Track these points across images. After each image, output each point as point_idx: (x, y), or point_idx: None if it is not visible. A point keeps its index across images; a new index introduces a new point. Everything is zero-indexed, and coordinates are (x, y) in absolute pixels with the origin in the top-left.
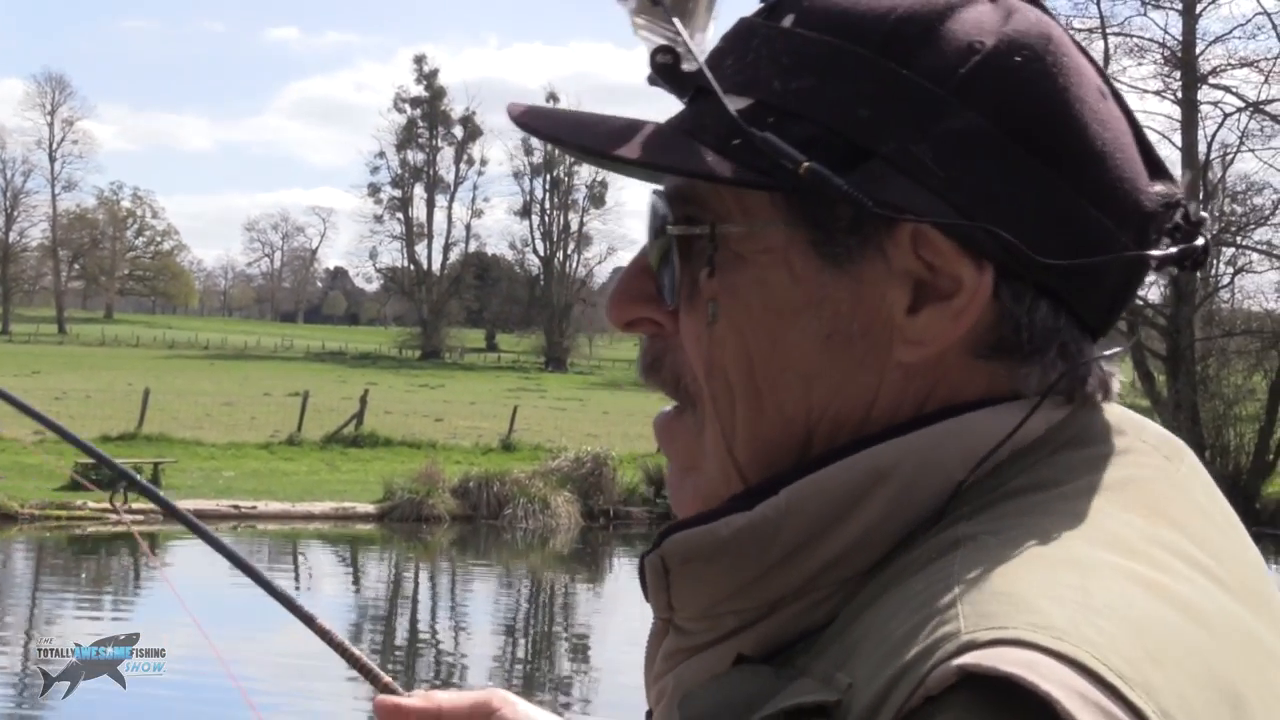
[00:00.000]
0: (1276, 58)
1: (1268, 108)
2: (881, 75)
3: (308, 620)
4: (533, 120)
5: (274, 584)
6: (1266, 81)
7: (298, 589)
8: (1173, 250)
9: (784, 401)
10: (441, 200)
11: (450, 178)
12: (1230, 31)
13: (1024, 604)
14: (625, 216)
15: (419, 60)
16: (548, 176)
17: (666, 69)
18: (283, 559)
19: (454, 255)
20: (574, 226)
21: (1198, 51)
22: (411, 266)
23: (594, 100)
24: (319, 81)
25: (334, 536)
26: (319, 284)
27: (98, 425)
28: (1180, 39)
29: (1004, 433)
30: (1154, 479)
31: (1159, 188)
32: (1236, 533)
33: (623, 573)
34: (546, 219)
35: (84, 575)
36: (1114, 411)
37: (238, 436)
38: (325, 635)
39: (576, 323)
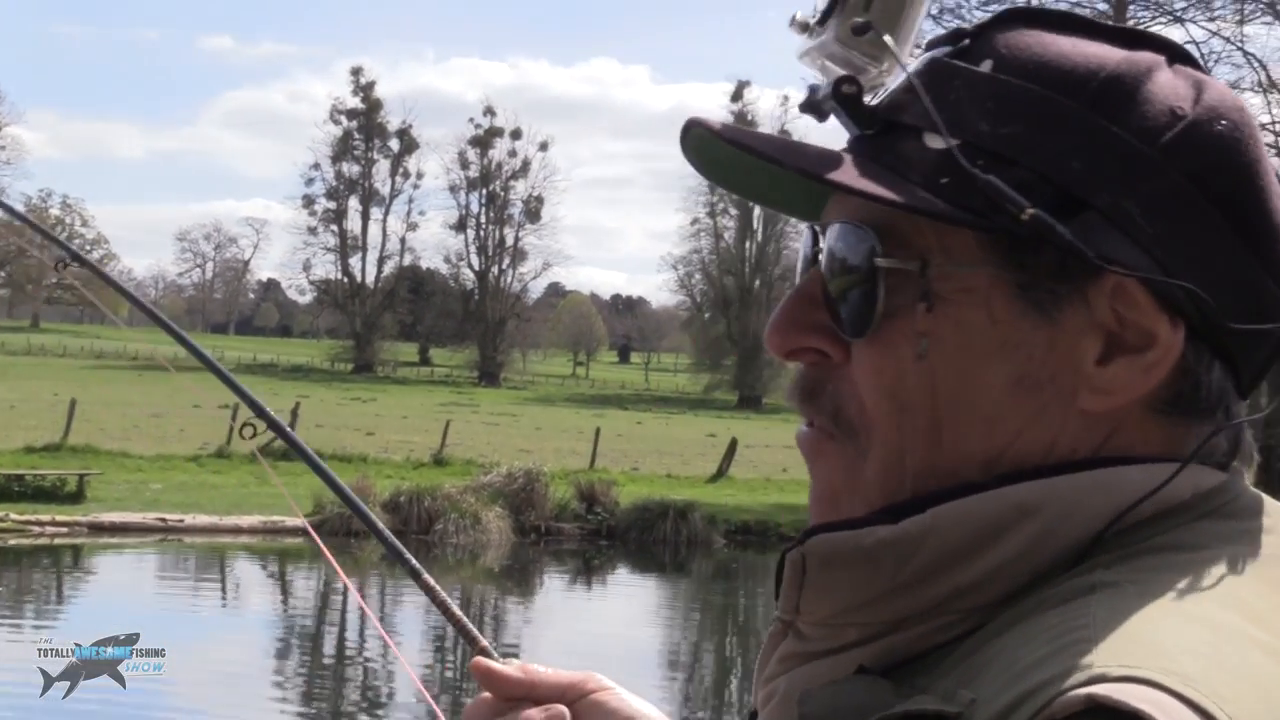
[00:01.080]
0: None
1: None
2: (1093, 129)
3: (414, 574)
4: (743, 138)
5: (377, 523)
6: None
7: (224, 604)
8: None
9: (965, 439)
10: (376, 213)
11: (386, 190)
12: None
13: (1158, 649)
14: (561, 232)
15: (356, 72)
16: (483, 191)
17: (851, 100)
18: (210, 572)
19: (388, 268)
20: (509, 241)
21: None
22: (345, 279)
23: (531, 113)
24: (253, 92)
25: (262, 550)
26: (251, 295)
27: (22, 436)
28: None
29: (1151, 488)
30: None
31: None
32: None
33: (554, 589)
34: (482, 233)
35: (4, 588)
36: (1262, 497)
37: (166, 449)
38: (430, 591)
39: (510, 338)
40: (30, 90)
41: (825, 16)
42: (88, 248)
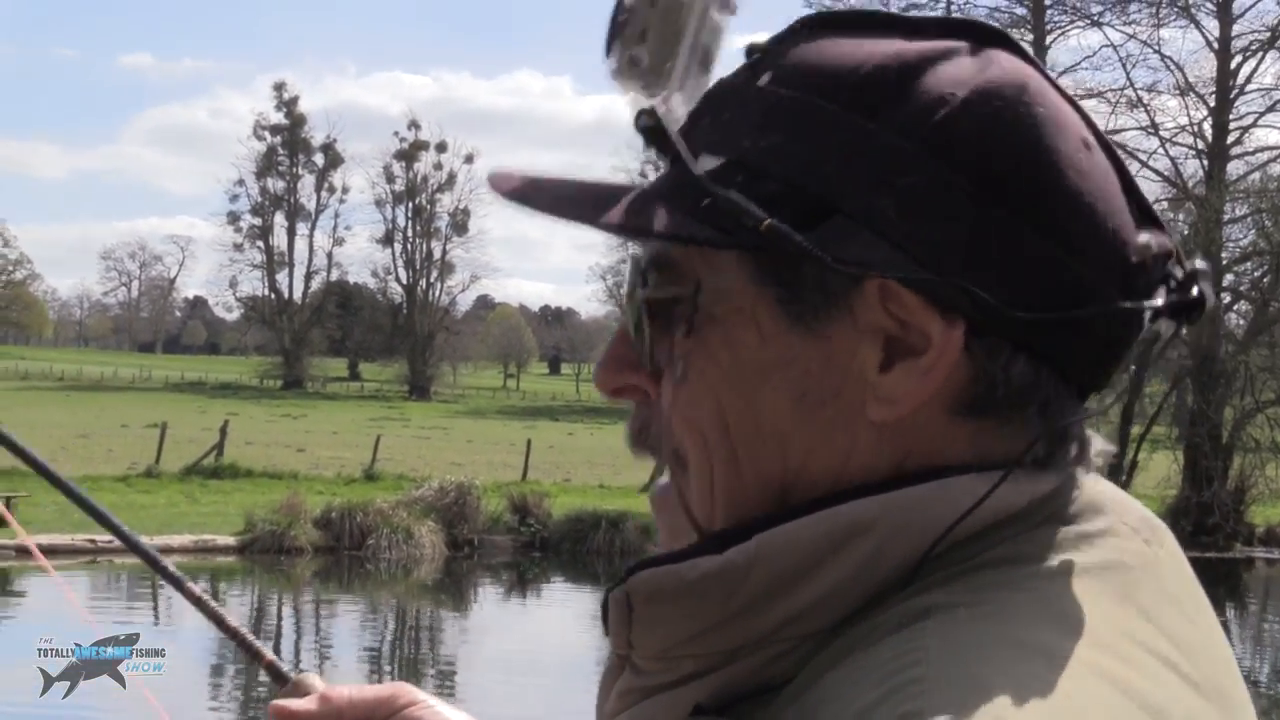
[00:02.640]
0: (1122, 89)
1: (1115, 137)
2: (848, 130)
3: (199, 603)
4: (531, 194)
5: (147, 549)
6: (1113, 112)
7: (156, 624)
8: (1158, 302)
9: (759, 461)
10: (303, 228)
11: (311, 206)
12: (1078, 63)
13: (991, 693)
14: (489, 244)
15: (279, 87)
16: (410, 204)
17: (649, 131)
18: (141, 593)
19: (316, 284)
20: (437, 254)
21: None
22: (272, 295)
23: (456, 126)
24: (175, 109)
25: (194, 569)
26: (178, 313)
27: None
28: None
29: (990, 500)
30: (1131, 565)
31: (1147, 238)
32: (1206, 622)
33: (488, 602)
34: (409, 247)
35: None
36: (1097, 488)
37: (94, 469)
38: (199, 604)
39: (440, 351)
40: None
41: (607, 48)
42: (11, 268)
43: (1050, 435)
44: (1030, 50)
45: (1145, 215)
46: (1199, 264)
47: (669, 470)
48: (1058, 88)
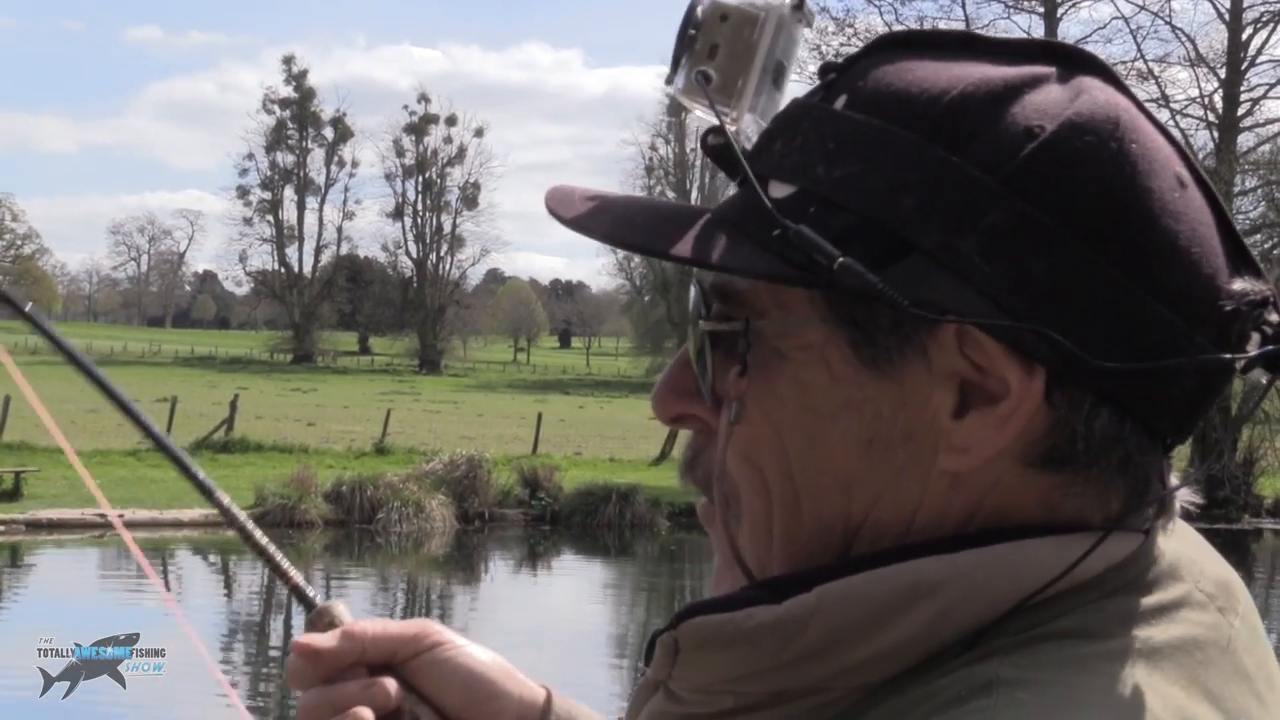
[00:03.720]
0: (1133, 61)
1: None
2: (928, 162)
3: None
4: (589, 222)
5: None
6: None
7: (167, 592)
8: (1253, 353)
9: (822, 506)
10: (312, 202)
11: (321, 180)
12: (1090, 35)
13: None
14: (499, 218)
15: (288, 61)
16: (420, 178)
17: (718, 151)
18: (151, 567)
19: (325, 258)
20: (447, 228)
21: None
22: (282, 269)
23: (466, 99)
24: (182, 82)
25: (204, 544)
26: (187, 288)
27: None
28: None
29: (1060, 568)
30: (1204, 643)
31: (1241, 284)
32: (1275, 696)
33: (499, 575)
34: (419, 221)
35: None
36: (1176, 548)
37: (103, 444)
38: (244, 531)
39: (450, 325)
40: None
41: (675, 65)
42: (19, 242)
43: (1132, 489)
44: (1038, 34)
45: (1242, 258)
46: None
47: (717, 510)
48: (1152, 119)
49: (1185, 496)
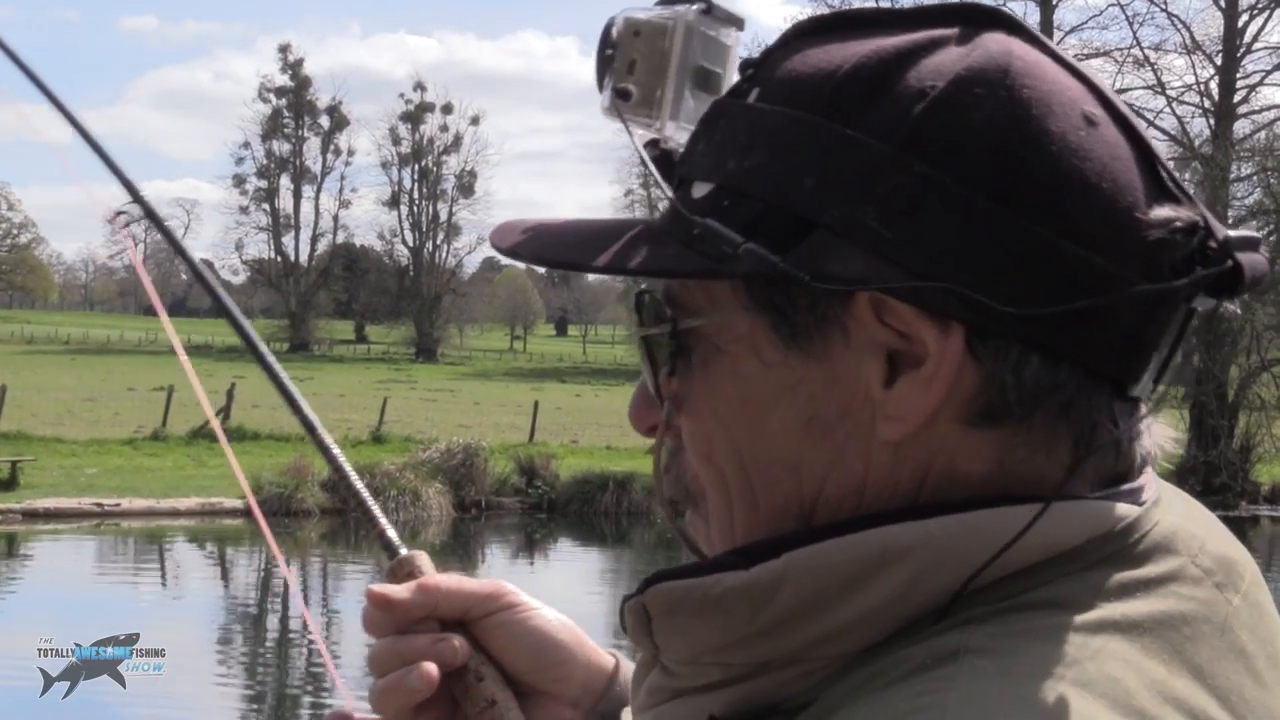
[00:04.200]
0: (1129, 48)
1: (1122, 96)
2: (824, 139)
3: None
4: (520, 248)
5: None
6: (1120, 71)
7: (164, 586)
8: (1183, 281)
9: (775, 492)
10: (308, 191)
11: (317, 168)
12: (1085, 22)
13: None
14: (495, 206)
15: (283, 49)
16: (416, 167)
17: (657, 161)
18: (148, 556)
19: (322, 246)
20: (443, 216)
21: (1055, 42)
22: (278, 258)
23: (461, 87)
24: (177, 71)
25: (201, 533)
26: (184, 277)
27: None
28: (1038, 29)
29: (1042, 534)
30: (1192, 617)
31: (1164, 213)
32: (1277, 675)
33: (495, 563)
34: (415, 209)
35: None
36: (1177, 522)
37: (100, 433)
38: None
39: (447, 313)
40: None
41: (600, 84)
42: (15, 231)
43: (1085, 441)
44: (1033, 21)
45: (1166, 189)
46: (1240, 233)
47: (690, 507)
48: (1061, 60)
49: (1160, 444)
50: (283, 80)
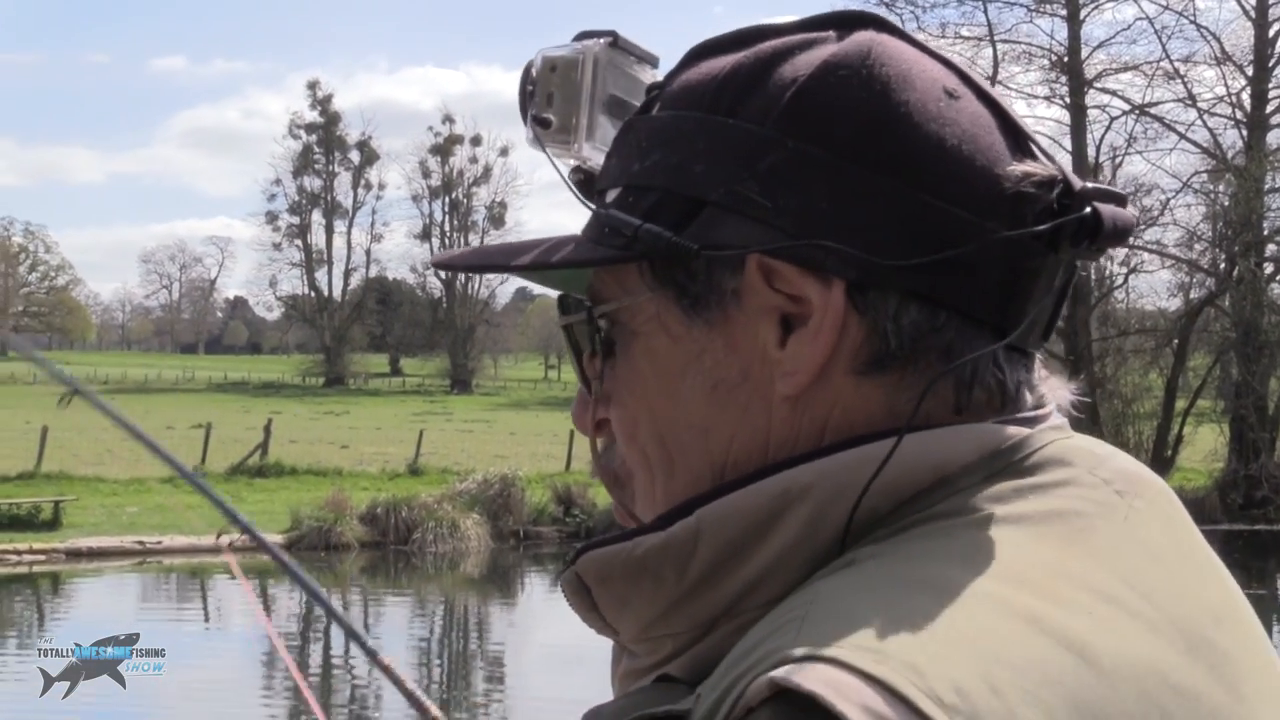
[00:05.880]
0: (1158, 61)
1: (1152, 110)
2: (708, 129)
3: (370, 654)
4: (454, 260)
5: (342, 616)
6: (1150, 85)
7: (206, 623)
8: (1041, 227)
9: (690, 460)
10: (340, 226)
11: (348, 203)
12: (1113, 36)
13: (857, 623)
14: (526, 236)
15: (312, 86)
16: (446, 199)
17: (580, 185)
18: (190, 594)
19: (355, 281)
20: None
21: (1083, 57)
22: (312, 293)
23: (490, 119)
24: (207, 110)
25: (243, 567)
26: (219, 314)
27: None
28: (1066, 44)
29: (929, 456)
30: (1088, 513)
31: (1024, 167)
32: (1191, 573)
33: (535, 593)
34: (447, 241)
35: None
36: (1072, 444)
37: (140, 471)
38: (386, 669)
39: (481, 344)
40: None
41: (524, 117)
42: (53, 273)
43: (967, 384)
44: (1060, 37)
45: (1028, 151)
46: (1100, 186)
47: (621, 492)
48: (921, 47)
49: (1061, 400)
50: (312, 116)
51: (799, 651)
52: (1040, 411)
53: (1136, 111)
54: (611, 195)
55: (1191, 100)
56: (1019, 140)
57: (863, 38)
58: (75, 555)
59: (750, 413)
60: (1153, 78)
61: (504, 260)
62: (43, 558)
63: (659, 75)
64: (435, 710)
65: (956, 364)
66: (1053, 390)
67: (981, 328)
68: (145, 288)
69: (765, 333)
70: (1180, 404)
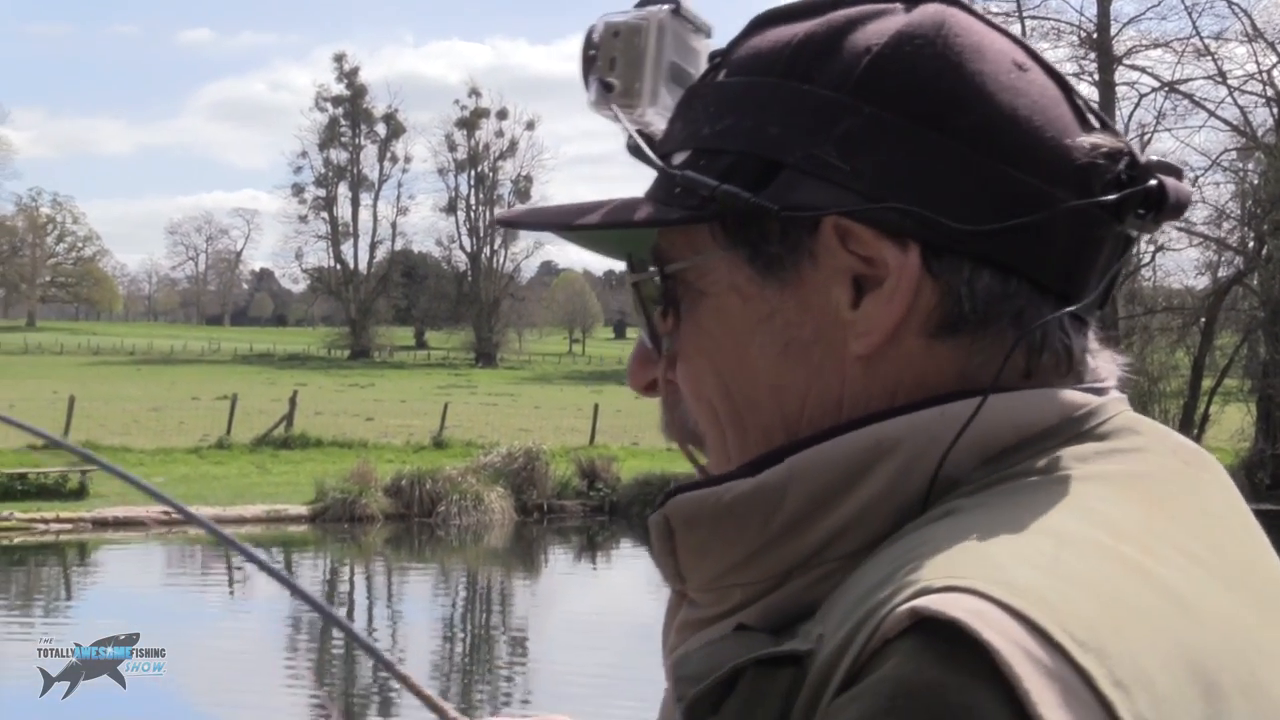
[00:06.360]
0: (1188, 38)
1: (1182, 87)
2: (784, 95)
3: (375, 655)
4: (517, 218)
5: (334, 613)
6: (1179, 61)
7: (231, 594)
8: (1110, 197)
9: (762, 417)
10: (366, 199)
11: (374, 176)
12: (1143, 13)
13: (990, 559)
14: None
15: (339, 58)
16: (472, 172)
17: (637, 150)
18: (215, 564)
19: (380, 253)
20: None
21: (1112, 33)
22: (338, 266)
23: (516, 93)
24: (234, 83)
25: (267, 539)
26: (245, 286)
27: (22, 435)
28: (1095, 21)
29: (1015, 416)
30: (1164, 478)
31: (1093, 139)
32: (1253, 541)
33: (558, 566)
34: (472, 215)
35: (14, 587)
36: (1136, 415)
37: (166, 441)
38: (391, 668)
39: (505, 317)
40: (14, 90)
41: (585, 82)
42: (80, 244)
43: (1031, 344)
44: (1090, 14)
45: (1093, 125)
46: (1162, 159)
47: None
48: (989, 22)
49: (1115, 369)
50: (339, 89)
51: (937, 582)
52: (1107, 383)
53: (1166, 88)
54: (679, 158)
55: (1221, 77)
56: (1084, 114)
57: (933, 9)
58: (101, 525)
59: (823, 372)
60: (1182, 54)
61: (568, 219)
62: (69, 527)
63: (713, 45)
64: (451, 710)
65: (1032, 327)
66: (1105, 362)
67: (1047, 295)
68: (172, 259)
69: (838, 294)
70: (1207, 383)
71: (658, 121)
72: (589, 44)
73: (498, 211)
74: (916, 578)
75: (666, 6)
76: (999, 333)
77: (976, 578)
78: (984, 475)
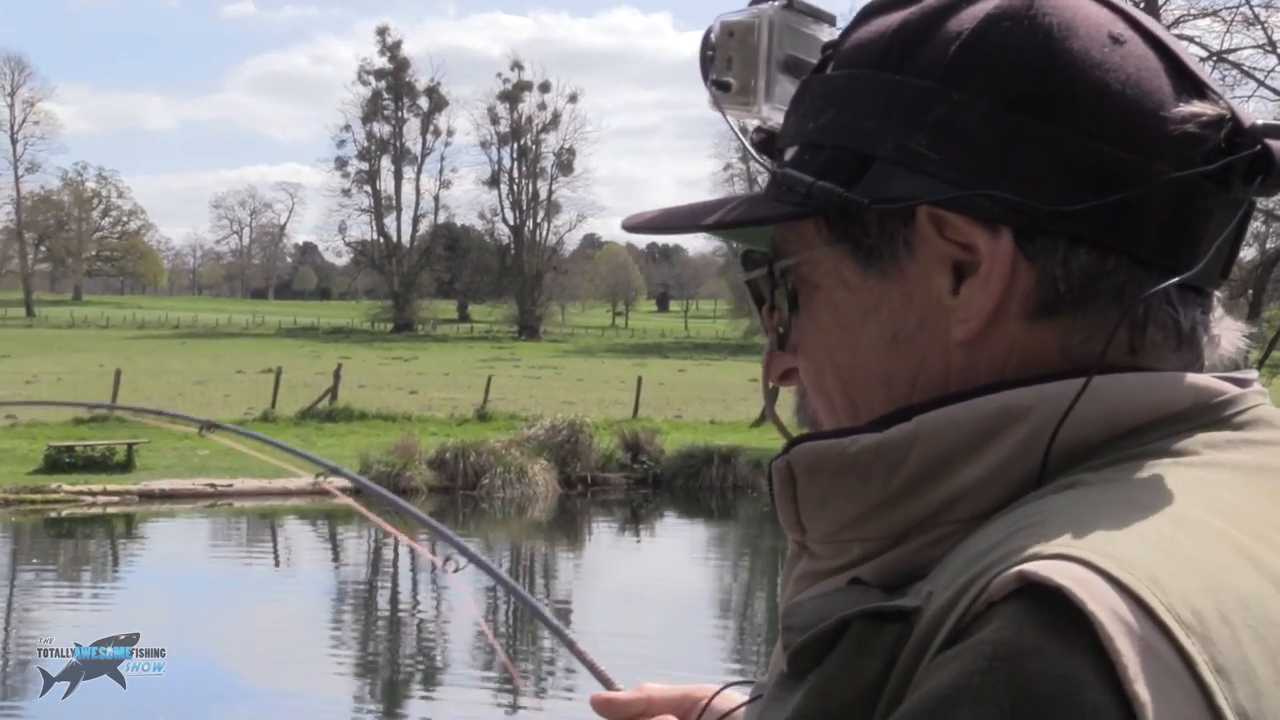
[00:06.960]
0: (1238, 7)
1: (1230, 56)
2: (878, 86)
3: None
4: (641, 223)
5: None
6: (1229, 31)
7: (277, 566)
8: (1210, 166)
9: (874, 405)
10: (409, 172)
11: (417, 149)
12: None
13: (1105, 533)
14: (594, 183)
15: (382, 32)
16: (515, 145)
17: (760, 145)
18: (261, 536)
19: (423, 227)
20: (543, 194)
21: (1160, 2)
22: (381, 239)
23: (558, 66)
24: (277, 56)
25: (311, 512)
26: (289, 259)
27: (70, 408)
28: None
29: (1151, 395)
30: None
31: (1191, 108)
32: None
33: (602, 539)
34: (515, 188)
35: (62, 558)
36: (1275, 410)
37: (211, 414)
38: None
39: (548, 290)
40: (60, 65)
41: (705, 80)
42: (125, 218)
43: (1133, 323)
44: None
45: (1196, 91)
46: (1271, 122)
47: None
48: None
49: (1236, 339)
50: (381, 63)
51: (1049, 550)
52: (1249, 375)
53: (1214, 58)
54: (790, 154)
55: (1271, 46)
56: (1189, 81)
57: None
58: (148, 497)
59: (930, 359)
60: (1231, 23)
61: (691, 221)
62: (116, 499)
63: (836, 33)
64: (604, 670)
65: (1132, 303)
66: (1226, 331)
67: (1151, 269)
68: (216, 233)
69: (939, 281)
70: (1254, 355)
71: (776, 117)
72: (706, 44)
73: (626, 217)
74: (1029, 544)
75: (778, 3)
76: (1099, 310)
77: (1089, 549)
78: (1112, 452)
